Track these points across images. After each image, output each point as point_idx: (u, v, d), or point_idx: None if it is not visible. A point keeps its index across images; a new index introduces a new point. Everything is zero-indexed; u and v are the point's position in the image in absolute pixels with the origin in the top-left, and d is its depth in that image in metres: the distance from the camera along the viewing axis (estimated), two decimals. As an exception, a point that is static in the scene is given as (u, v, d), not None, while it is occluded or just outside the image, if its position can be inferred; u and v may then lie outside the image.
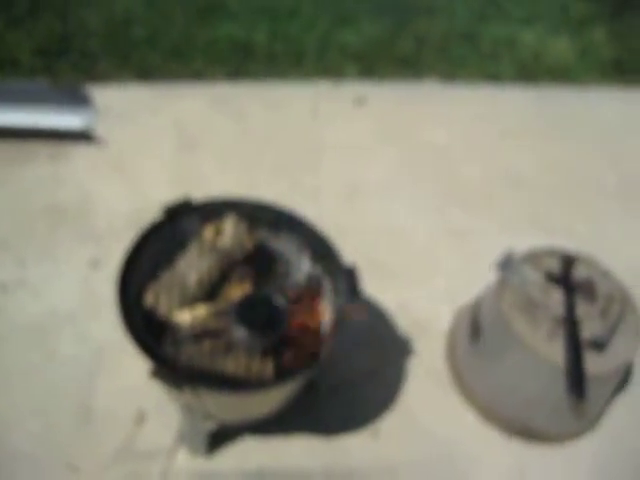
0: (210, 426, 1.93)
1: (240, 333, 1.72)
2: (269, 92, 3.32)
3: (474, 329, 2.20)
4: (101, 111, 2.93)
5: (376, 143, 3.11)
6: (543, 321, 1.97)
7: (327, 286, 1.88)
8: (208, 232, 1.91)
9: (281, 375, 1.72)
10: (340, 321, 1.75)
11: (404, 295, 2.49)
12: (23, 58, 3.41)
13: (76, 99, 2.86)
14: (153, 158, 2.91)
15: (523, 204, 2.91)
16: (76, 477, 1.97)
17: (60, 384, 2.16)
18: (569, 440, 2.17)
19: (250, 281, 1.89)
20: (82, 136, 2.90)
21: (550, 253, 2.14)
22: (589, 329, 1.94)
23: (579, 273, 2.06)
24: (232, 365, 1.71)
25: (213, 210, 1.93)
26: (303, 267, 1.94)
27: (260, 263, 1.95)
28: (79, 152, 2.88)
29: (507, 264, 2.08)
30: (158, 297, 1.78)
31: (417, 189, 2.92)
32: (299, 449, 2.08)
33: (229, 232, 1.89)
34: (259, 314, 1.75)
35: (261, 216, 1.95)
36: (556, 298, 1.99)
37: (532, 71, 3.73)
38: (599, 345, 1.94)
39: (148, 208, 1.90)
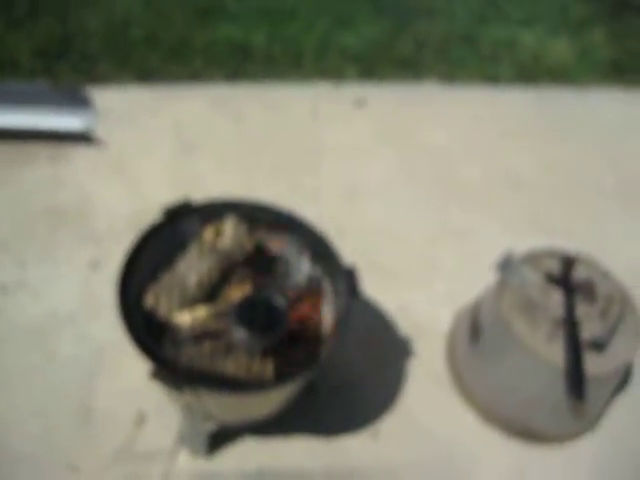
0: (210, 427, 1.93)
1: (240, 334, 1.72)
2: (268, 93, 3.32)
3: (474, 330, 2.20)
4: (101, 113, 2.93)
5: (376, 144, 3.12)
6: (543, 322, 1.97)
7: (327, 287, 1.88)
8: (208, 233, 1.91)
9: (281, 376, 1.72)
10: (341, 322, 1.76)
11: (404, 296, 2.49)
12: (23, 60, 3.41)
13: (76, 101, 2.86)
14: (153, 159, 2.91)
15: (523, 205, 2.91)
16: (76, 478, 1.97)
17: (60, 385, 2.16)
18: (569, 440, 2.17)
19: (250, 282, 1.89)
20: (82, 137, 2.90)
21: (550, 254, 2.14)
22: (589, 330, 1.95)
23: (579, 274, 2.06)
24: (232, 366, 1.71)
25: (213, 211, 1.93)
26: (303, 268, 1.94)
27: (260, 264, 1.95)
28: (79, 153, 2.88)
29: (507, 265, 2.08)
30: (158, 298, 1.78)
31: (417, 190, 2.92)
32: (299, 450, 2.08)
33: (229, 233, 1.89)
34: (259, 315, 1.75)
35: (261, 217, 1.95)
36: (556, 299, 2.00)
37: (531, 72, 3.73)
38: (599, 346, 1.95)
39: (148, 209, 1.90)
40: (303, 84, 3.41)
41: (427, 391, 2.27)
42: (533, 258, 2.13)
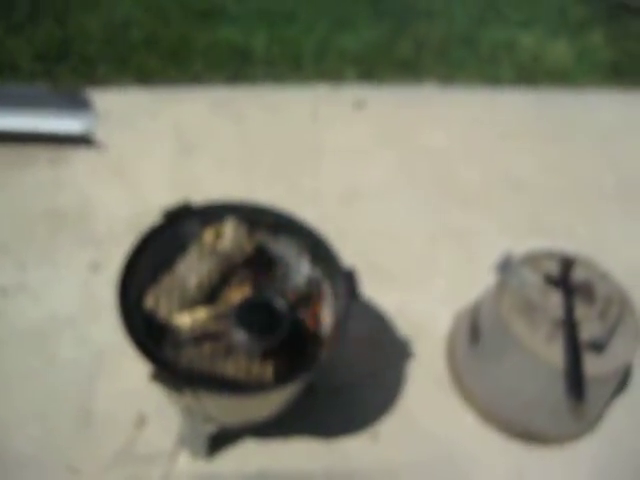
0: (210, 429, 1.93)
1: (240, 336, 1.72)
2: (268, 96, 3.33)
3: (473, 331, 2.20)
4: (101, 115, 2.94)
5: (375, 146, 3.12)
6: (542, 323, 1.98)
7: (327, 289, 1.88)
8: (208, 235, 1.91)
9: (281, 378, 1.72)
10: (340, 324, 1.76)
11: (404, 298, 2.49)
12: (23, 63, 3.41)
13: (76, 103, 2.86)
14: (153, 162, 2.91)
15: (522, 206, 2.91)
16: (77, 480, 1.97)
17: (60, 388, 2.17)
18: (568, 442, 2.18)
19: (250, 284, 1.90)
20: (82, 140, 2.91)
21: (549, 255, 2.14)
22: (588, 331, 1.95)
23: (578, 275, 2.07)
24: (232, 368, 1.71)
25: (213, 213, 1.93)
26: (303, 270, 1.95)
27: (260, 266, 1.95)
28: (79, 156, 2.89)
29: (506, 266, 2.08)
30: (158, 300, 1.79)
31: (416, 192, 2.92)
32: (299, 452, 2.08)
33: (229, 235, 1.90)
34: (259, 317, 1.76)
35: (261, 219, 1.95)
36: (555, 300, 2.00)
37: (531, 74, 3.73)
38: (598, 347, 1.95)
39: (148, 212, 1.90)
40: (303, 86, 3.41)
41: (427, 392, 2.27)
42: (532, 259, 2.13)
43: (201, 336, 1.75)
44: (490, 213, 2.86)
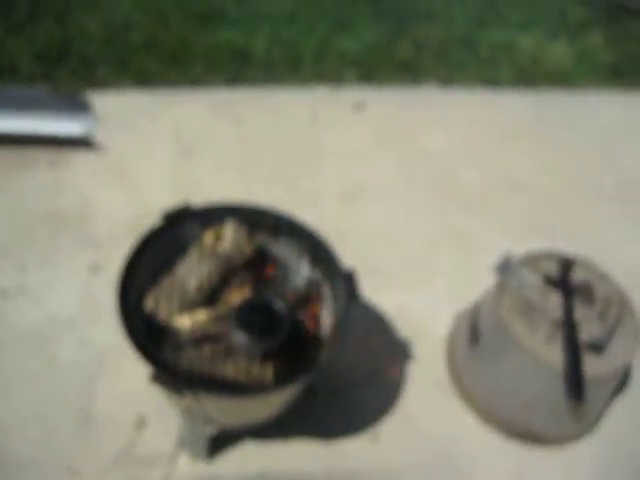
0: (210, 431, 1.93)
1: (240, 338, 1.72)
2: (268, 98, 3.33)
3: (473, 333, 2.20)
4: (101, 118, 2.94)
5: (375, 148, 3.12)
6: (541, 324, 1.98)
7: (326, 291, 1.89)
8: (208, 237, 1.91)
9: (281, 379, 1.72)
10: (340, 325, 1.76)
11: (403, 299, 2.50)
12: (23, 65, 3.42)
13: (76, 106, 2.87)
14: (153, 164, 2.91)
15: (522, 208, 2.91)
16: (77, 482, 1.98)
17: (60, 389, 2.17)
18: (568, 442, 2.18)
19: (250, 286, 1.90)
20: (82, 143, 2.91)
21: (548, 256, 2.15)
22: (587, 332, 1.95)
23: (577, 276, 2.07)
24: (232, 370, 1.71)
25: (213, 215, 1.93)
26: (302, 272, 1.95)
27: (260, 268, 1.96)
28: (79, 158, 2.89)
29: (505, 267, 2.09)
30: (158, 302, 1.79)
31: (416, 194, 2.93)
32: (299, 453, 2.08)
33: (229, 237, 1.90)
34: (259, 319, 1.76)
35: (261, 221, 1.95)
36: (554, 301, 2.00)
37: (530, 75, 3.74)
38: (597, 347, 1.95)
39: (148, 214, 1.91)
40: (302, 88, 3.42)
41: (427, 393, 2.27)
42: (532, 260, 2.13)
43: (201, 338, 1.75)
44: (490, 214, 2.86)
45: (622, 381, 2.27)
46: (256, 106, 3.26)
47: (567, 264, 2.09)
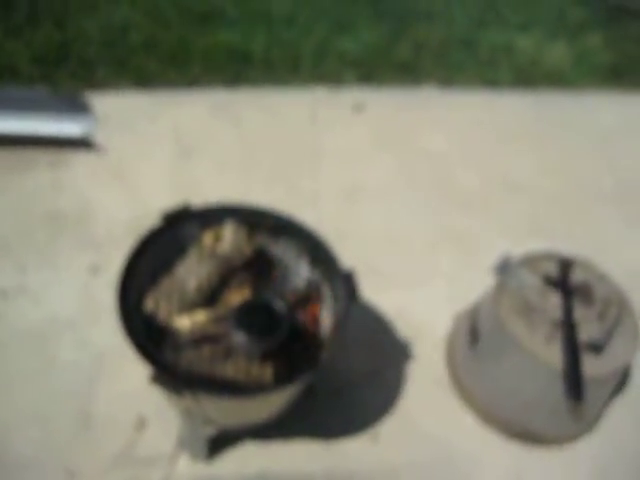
0: (210, 431, 1.94)
1: (239, 338, 1.73)
2: (267, 99, 3.33)
3: (473, 333, 2.21)
4: (100, 118, 2.95)
5: (375, 149, 3.12)
6: (541, 324, 1.98)
7: (326, 291, 1.89)
8: (207, 238, 1.92)
9: (280, 380, 1.72)
10: (339, 325, 1.76)
11: (403, 300, 2.50)
12: (22, 66, 3.42)
13: (75, 107, 2.87)
14: (152, 165, 2.92)
15: (521, 208, 2.92)
16: (77, 483, 1.98)
17: (60, 390, 2.17)
18: (567, 442, 2.18)
19: (249, 286, 1.90)
20: (81, 143, 2.91)
21: (547, 257, 2.15)
22: (587, 332, 1.95)
23: (576, 277, 2.07)
24: (232, 370, 1.72)
25: (212, 216, 1.93)
26: (302, 272, 1.95)
27: (259, 268, 1.96)
28: (79, 159, 2.89)
29: (505, 268, 2.09)
30: (158, 303, 1.79)
31: (416, 194, 2.93)
32: (299, 453, 2.08)
33: (228, 238, 1.90)
34: (258, 319, 1.76)
35: (260, 222, 1.95)
36: (554, 301, 2.00)
37: (529, 76, 3.74)
38: (597, 348, 1.95)
39: (147, 214, 1.90)
40: (302, 89, 3.42)
41: (426, 394, 2.27)
42: (531, 261, 2.14)
43: (201, 338, 1.75)
44: (489, 215, 2.86)
45: (621, 381, 2.27)
46: (256, 107, 3.26)
47: (566, 264, 2.09)
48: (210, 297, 1.85)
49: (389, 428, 2.17)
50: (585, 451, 2.17)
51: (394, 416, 2.20)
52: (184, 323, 1.77)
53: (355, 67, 3.66)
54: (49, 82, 3.33)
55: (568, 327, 1.95)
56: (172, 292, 1.82)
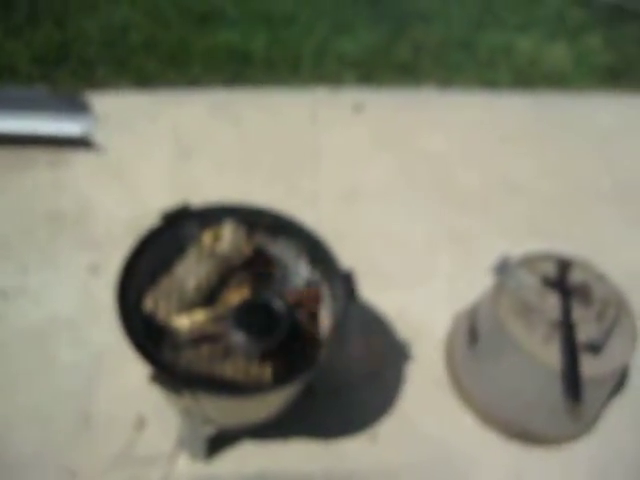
0: (209, 431, 1.94)
1: (238, 338, 1.73)
2: (267, 99, 3.33)
3: (472, 333, 2.21)
4: (100, 118, 2.95)
5: (374, 149, 3.13)
6: (539, 325, 1.98)
7: (325, 291, 1.89)
8: (207, 238, 1.92)
9: (279, 379, 1.73)
10: (338, 325, 1.76)
11: (402, 300, 2.50)
12: (22, 66, 3.42)
13: (75, 106, 2.87)
14: (152, 164, 2.92)
15: (521, 209, 2.92)
16: (76, 482, 1.98)
17: (60, 389, 2.17)
18: (566, 443, 2.18)
19: (248, 286, 1.90)
20: (81, 143, 2.91)
21: (546, 257, 2.15)
22: (585, 332, 1.96)
23: (575, 277, 2.07)
24: (231, 370, 1.72)
25: (212, 216, 1.94)
26: (301, 272, 1.95)
27: (258, 268, 1.96)
28: (78, 159, 2.89)
29: (503, 268, 2.09)
30: (157, 302, 1.80)
31: (415, 195, 2.93)
32: (298, 453, 2.08)
33: (228, 238, 1.90)
34: (257, 319, 1.77)
35: (259, 221, 1.96)
36: (552, 302, 2.01)
37: (529, 77, 3.74)
38: (595, 348, 1.95)
39: (147, 214, 1.91)
40: (302, 89, 3.42)
41: (425, 394, 2.27)
42: (529, 261, 2.14)
43: (200, 338, 1.75)
44: (488, 216, 2.86)
45: (620, 381, 2.28)
46: (255, 107, 3.27)
47: (565, 265, 2.10)
48: (209, 297, 1.86)
49: (388, 428, 2.17)
50: (584, 451, 2.18)
51: (393, 416, 2.20)
52: (183, 322, 1.77)
53: (355, 68, 3.66)
54: (49, 82, 3.34)
55: (566, 327, 1.95)
56: (171, 292, 1.82)
